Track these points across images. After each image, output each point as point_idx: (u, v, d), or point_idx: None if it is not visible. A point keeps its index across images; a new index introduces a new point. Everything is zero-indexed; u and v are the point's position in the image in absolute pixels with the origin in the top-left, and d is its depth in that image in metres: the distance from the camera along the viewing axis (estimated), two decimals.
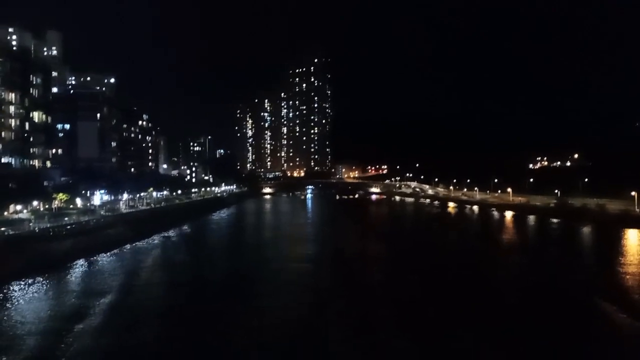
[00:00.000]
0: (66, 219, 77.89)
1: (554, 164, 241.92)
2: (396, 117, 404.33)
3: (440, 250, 79.33)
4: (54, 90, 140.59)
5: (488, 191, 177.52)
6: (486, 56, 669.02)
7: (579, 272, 59.45)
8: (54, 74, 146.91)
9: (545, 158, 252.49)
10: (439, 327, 38.65)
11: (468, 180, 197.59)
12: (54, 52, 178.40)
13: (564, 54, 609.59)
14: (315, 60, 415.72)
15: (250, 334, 37.70)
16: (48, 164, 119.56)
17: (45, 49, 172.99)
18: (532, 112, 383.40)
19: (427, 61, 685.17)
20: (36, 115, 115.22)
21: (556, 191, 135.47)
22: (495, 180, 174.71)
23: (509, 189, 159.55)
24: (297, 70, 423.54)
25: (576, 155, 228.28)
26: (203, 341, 36.54)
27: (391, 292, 50.93)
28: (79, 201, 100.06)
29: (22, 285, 52.16)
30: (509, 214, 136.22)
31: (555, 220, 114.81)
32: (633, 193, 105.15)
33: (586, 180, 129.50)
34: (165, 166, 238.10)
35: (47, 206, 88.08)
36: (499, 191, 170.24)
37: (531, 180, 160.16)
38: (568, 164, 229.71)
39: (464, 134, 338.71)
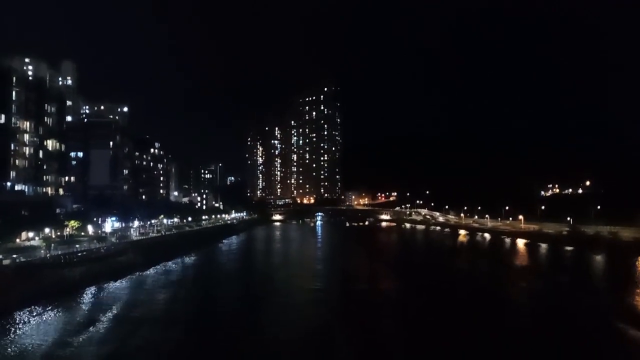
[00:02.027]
0: (77, 246, 78.10)
1: (566, 191, 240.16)
2: (405, 142, 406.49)
3: (460, 285, 73.38)
4: (68, 119, 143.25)
5: (499, 218, 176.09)
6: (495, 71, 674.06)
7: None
8: (69, 103, 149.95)
9: (556, 185, 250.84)
10: None
11: (479, 207, 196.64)
12: (69, 82, 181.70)
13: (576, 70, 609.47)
14: (325, 89, 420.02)
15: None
16: (61, 191, 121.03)
17: (60, 78, 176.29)
18: (544, 135, 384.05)
19: (433, 73, 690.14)
20: (50, 144, 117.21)
21: (568, 218, 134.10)
22: (507, 208, 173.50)
23: (521, 217, 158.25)
24: (307, 99, 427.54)
25: (588, 182, 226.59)
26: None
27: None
28: (90, 228, 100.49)
29: (29, 313, 51.94)
30: (521, 242, 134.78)
31: (569, 248, 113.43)
32: None
33: (598, 207, 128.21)
34: (176, 193, 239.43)
35: (59, 233, 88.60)
36: (510, 218, 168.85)
37: (542, 207, 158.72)
38: (580, 191, 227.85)
39: (473, 157, 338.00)
